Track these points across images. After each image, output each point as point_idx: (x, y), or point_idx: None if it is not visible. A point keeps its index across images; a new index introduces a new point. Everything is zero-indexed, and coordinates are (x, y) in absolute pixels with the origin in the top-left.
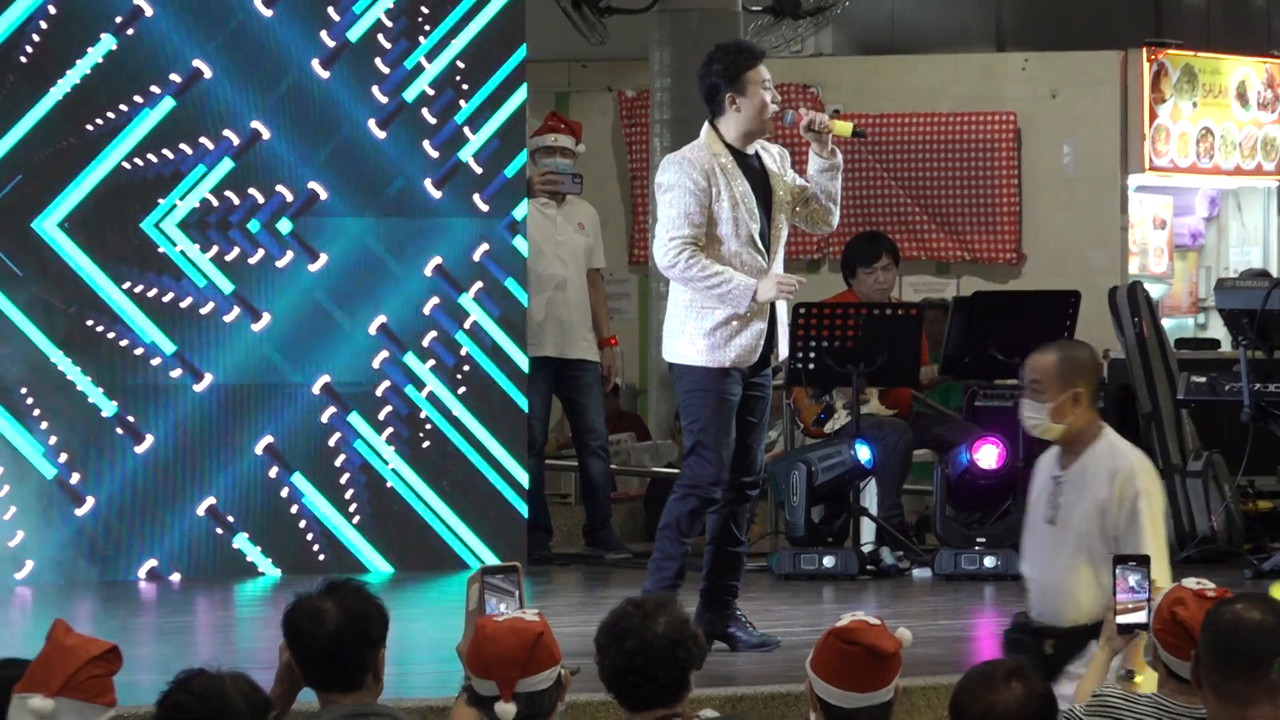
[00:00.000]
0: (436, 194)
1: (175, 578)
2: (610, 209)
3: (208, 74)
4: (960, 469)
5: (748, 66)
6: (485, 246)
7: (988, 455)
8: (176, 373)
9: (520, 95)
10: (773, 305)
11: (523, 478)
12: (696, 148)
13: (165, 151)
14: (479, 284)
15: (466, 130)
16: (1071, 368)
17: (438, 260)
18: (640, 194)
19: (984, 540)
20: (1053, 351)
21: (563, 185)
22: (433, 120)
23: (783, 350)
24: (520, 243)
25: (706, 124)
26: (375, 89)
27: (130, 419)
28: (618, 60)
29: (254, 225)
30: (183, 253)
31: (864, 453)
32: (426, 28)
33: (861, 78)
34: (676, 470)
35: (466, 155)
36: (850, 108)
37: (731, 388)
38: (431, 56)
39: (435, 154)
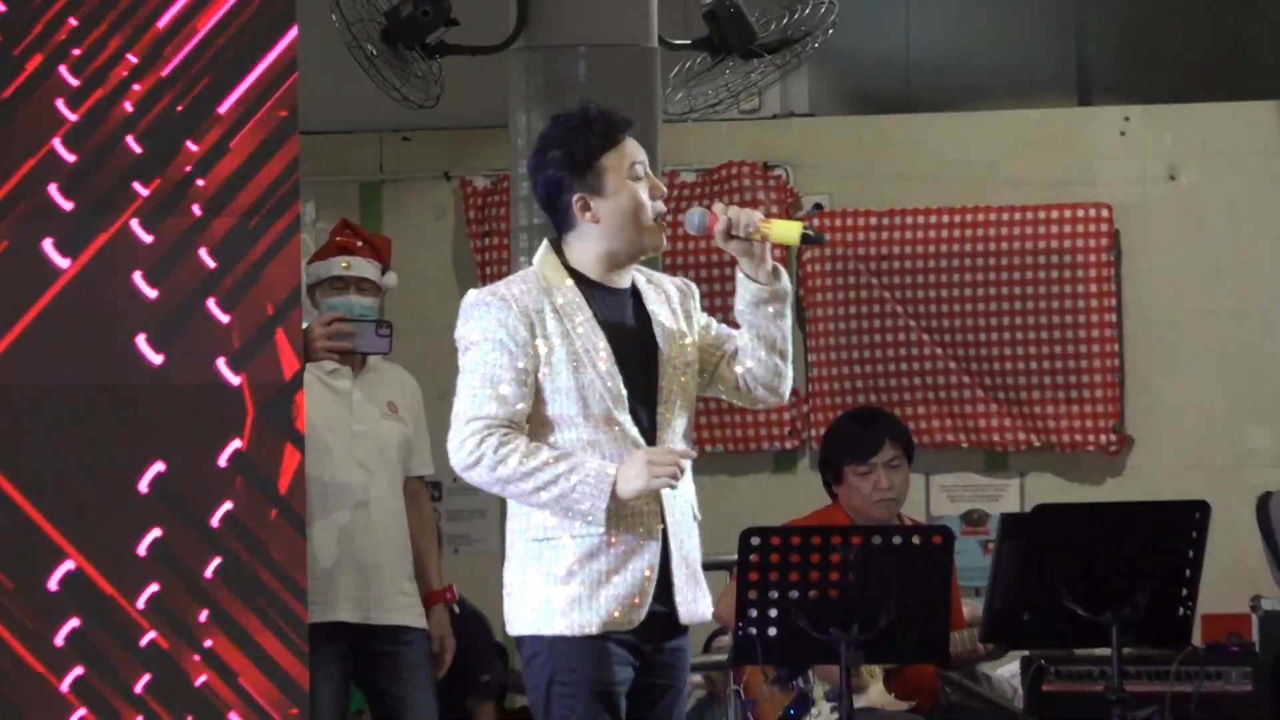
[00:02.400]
0: (155, 357)
1: None
2: (451, 370)
3: None
4: None
5: (604, 146)
6: (236, 444)
7: None
8: None
9: (294, 191)
10: (665, 525)
11: None
12: (521, 280)
13: None
14: (226, 505)
15: (204, 254)
16: None
17: (159, 467)
18: None
19: None
20: None
21: (361, 341)
22: (148, 238)
23: (693, 604)
24: (293, 435)
25: (545, 243)
26: (53, 188)
27: None
28: (459, 130)
29: None
30: None
31: None
32: (136, 87)
33: (859, 152)
34: None
35: (205, 292)
36: (841, 202)
37: (614, 670)
38: (146, 132)
39: (153, 293)
